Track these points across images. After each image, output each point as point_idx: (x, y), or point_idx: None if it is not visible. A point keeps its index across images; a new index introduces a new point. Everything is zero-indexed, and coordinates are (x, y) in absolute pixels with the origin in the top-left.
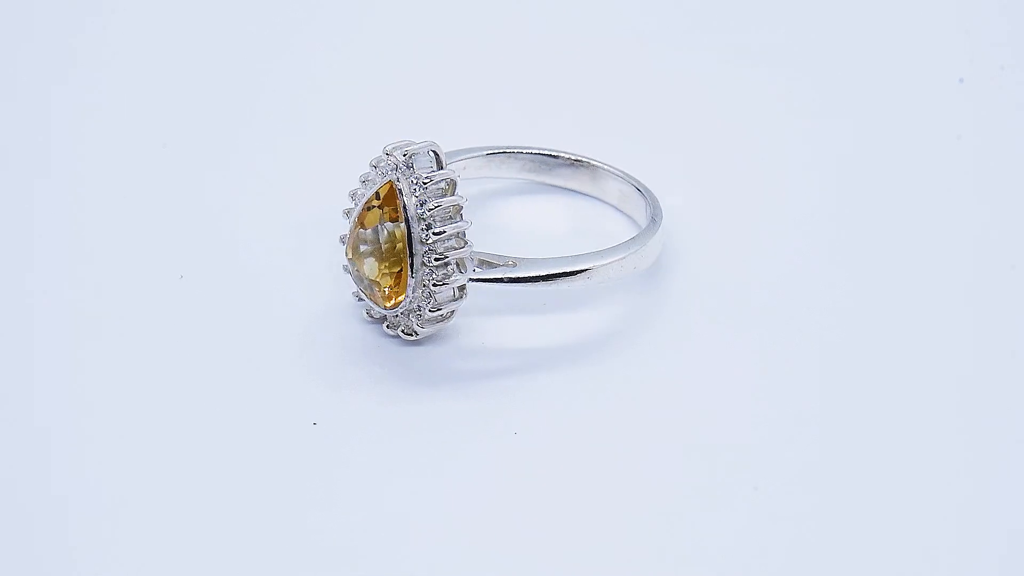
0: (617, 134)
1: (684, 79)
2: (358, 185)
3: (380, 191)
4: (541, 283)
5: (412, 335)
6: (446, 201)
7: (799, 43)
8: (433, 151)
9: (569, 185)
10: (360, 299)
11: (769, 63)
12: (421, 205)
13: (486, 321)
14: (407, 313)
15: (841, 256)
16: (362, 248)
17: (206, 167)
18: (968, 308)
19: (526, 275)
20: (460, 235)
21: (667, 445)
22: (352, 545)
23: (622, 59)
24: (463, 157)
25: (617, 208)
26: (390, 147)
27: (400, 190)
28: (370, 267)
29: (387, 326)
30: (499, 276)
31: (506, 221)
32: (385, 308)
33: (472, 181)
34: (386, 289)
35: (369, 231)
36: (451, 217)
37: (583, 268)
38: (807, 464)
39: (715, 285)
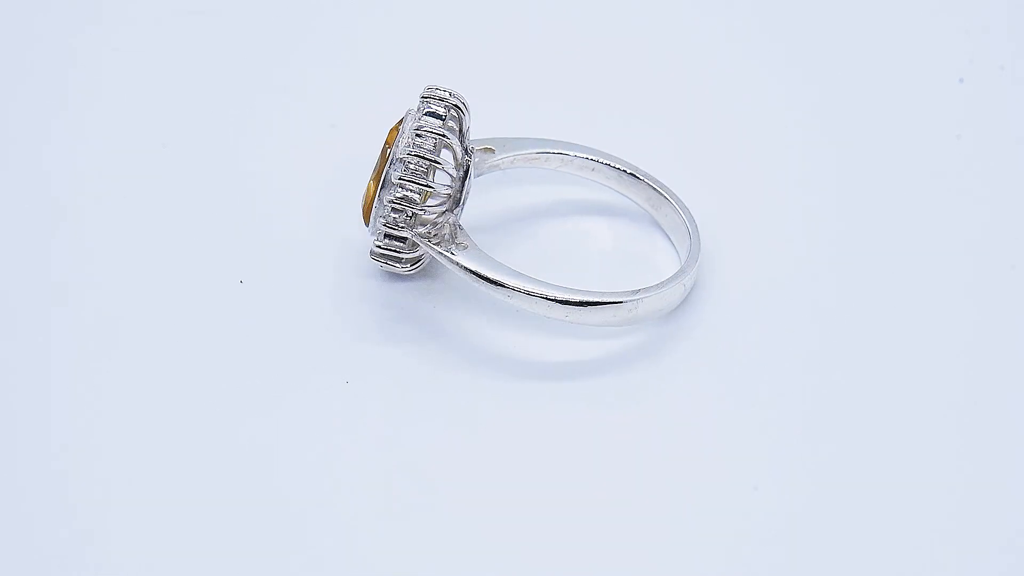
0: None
1: (680, 74)
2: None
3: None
4: (464, 274)
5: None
6: (426, 156)
7: (799, 44)
8: (456, 110)
9: (655, 213)
10: None
11: (768, 64)
12: (406, 148)
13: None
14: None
15: (841, 257)
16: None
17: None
18: (968, 308)
19: (455, 260)
20: (448, 198)
21: (665, 446)
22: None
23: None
24: (515, 152)
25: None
26: (427, 87)
27: (402, 129)
28: (368, 183)
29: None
30: (440, 249)
31: (560, 227)
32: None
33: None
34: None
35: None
36: (431, 174)
37: (504, 283)
38: (808, 465)
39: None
